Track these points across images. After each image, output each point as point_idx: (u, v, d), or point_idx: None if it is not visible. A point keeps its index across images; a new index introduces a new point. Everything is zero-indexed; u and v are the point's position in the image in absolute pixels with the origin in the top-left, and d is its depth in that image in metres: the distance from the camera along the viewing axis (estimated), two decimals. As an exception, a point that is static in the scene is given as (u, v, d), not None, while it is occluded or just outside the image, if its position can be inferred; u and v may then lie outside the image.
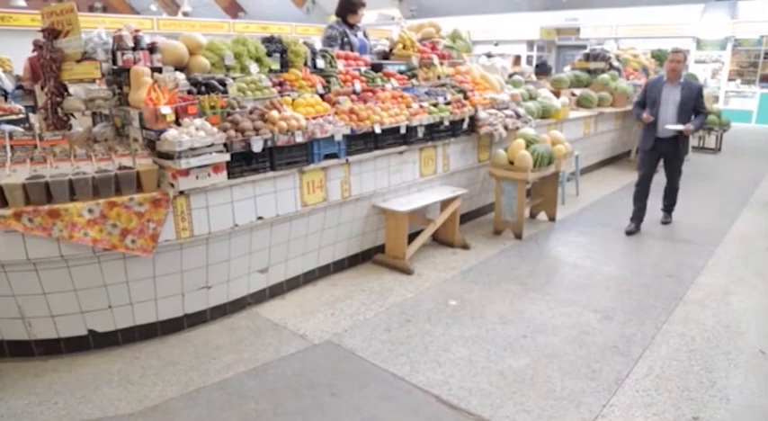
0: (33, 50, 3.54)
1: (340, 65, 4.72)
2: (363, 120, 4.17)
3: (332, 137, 3.92)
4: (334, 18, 5.49)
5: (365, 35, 5.59)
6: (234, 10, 27.40)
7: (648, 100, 5.45)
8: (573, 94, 8.03)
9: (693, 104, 5.30)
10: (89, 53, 3.43)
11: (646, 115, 5.36)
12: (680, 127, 5.19)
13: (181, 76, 3.52)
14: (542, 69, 9.84)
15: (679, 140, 5.36)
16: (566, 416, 2.72)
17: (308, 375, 3.05)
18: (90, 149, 3.15)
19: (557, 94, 7.42)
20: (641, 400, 2.83)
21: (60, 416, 2.72)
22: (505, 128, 5.44)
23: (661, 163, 5.68)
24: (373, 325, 3.62)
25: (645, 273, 4.50)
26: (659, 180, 5.74)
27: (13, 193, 2.85)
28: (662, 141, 5.38)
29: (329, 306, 3.89)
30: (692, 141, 9.97)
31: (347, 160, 4.11)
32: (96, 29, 3.57)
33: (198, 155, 3.13)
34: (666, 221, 5.84)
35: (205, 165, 3.20)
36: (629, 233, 5.44)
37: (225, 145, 3.29)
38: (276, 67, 4.25)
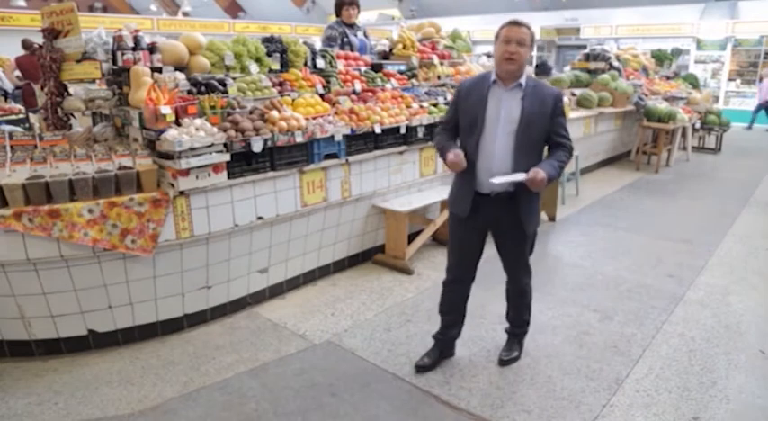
0: (36, 51, 3.50)
1: (340, 65, 4.72)
2: (363, 120, 4.17)
3: (332, 137, 3.92)
4: (334, 18, 5.50)
5: (365, 35, 5.59)
6: (234, 10, 27.42)
7: (463, 118, 2.79)
8: (573, 94, 8.04)
9: (547, 127, 2.71)
10: (89, 53, 3.42)
11: (453, 155, 2.69)
12: (518, 179, 2.62)
13: (181, 76, 3.52)
14: (542, 69, 9.83)
15: (521, 197, 2.74)
16: (566, 416, 2.72)
17: (308, 375, 3.05)
18: (90, 149, 3.15)
19: (557, 94, 7.40)
20: (641, 400, 2.83)
21: (60, 416, 2.72)
22: (505, 128, 5.43)
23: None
24: (373, 325, 3.62)
25: (645, 272, 4.50)
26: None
27: (13, 193, 2.85)
28: (488, 201, 2.77)
29: (329, 306, 3.89)
30: (693, 141, 9.96)
31: (347, 160, 4.11)
32: (96, 29, 3.57)
33: (198, 155, 3.13)
34: (509, 358, 3.12)
35: (205, 165, 3.20)
36: (419, 368, 3.04)
37: (225, 145, 3.29)
38: (276, 67, 4.25)
